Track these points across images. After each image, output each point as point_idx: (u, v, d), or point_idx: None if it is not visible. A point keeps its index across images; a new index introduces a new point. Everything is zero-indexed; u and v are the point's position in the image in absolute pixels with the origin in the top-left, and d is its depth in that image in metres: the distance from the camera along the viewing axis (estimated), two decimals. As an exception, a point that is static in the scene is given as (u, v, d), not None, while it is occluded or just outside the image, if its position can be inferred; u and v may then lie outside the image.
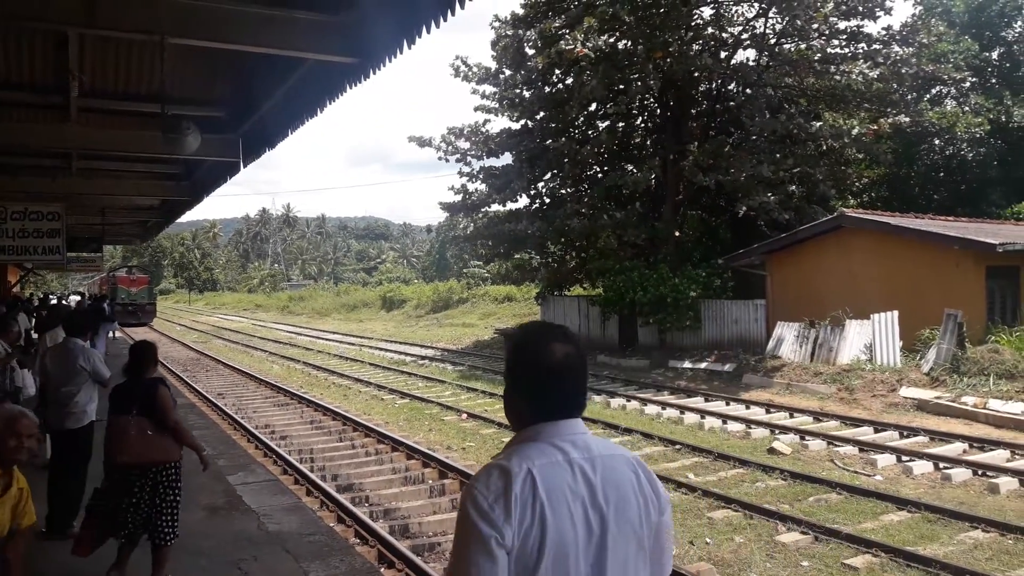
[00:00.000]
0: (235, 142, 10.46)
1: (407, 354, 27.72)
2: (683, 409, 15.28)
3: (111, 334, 25.17)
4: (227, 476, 8.62)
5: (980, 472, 10.18)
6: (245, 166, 11.26)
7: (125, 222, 23.69)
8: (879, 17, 22.78)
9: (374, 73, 6.64)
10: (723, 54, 24.16)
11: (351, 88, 7.20)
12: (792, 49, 24.20)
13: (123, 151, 11.28)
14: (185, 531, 6.44)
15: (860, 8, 22.43)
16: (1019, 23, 30.76)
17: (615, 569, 1.75)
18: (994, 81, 30.69)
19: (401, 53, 6.06)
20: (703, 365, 20.48)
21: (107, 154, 12.03)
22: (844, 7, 22.39)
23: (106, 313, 23.46)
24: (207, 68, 8.72)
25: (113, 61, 8.38)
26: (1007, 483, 9.64)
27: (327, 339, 36.07)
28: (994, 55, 31.11)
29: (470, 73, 26.97)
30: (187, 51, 7.45)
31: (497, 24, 26.31)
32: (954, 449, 11.53)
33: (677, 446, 12.08)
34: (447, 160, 27.99)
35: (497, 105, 27.01)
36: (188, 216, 25.08)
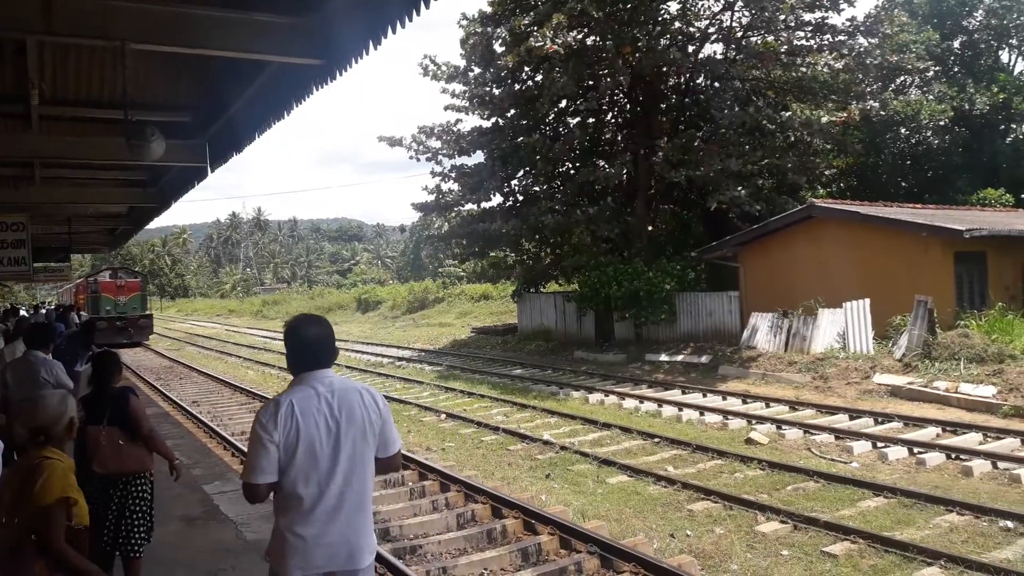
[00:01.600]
0: (202, 147, 10.33)
1: (384, 356, 27.59)
2: (661, 402, 15.35)
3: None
4: (203, 485, 8.51)
5: (954, 456, 10.33)
6: (213, 171, 11.13)
7: (92, 230, 23.32)
8: (843, 9, 23.09)
9: (341, 74, 6.58)
10: (691, 48, 24.31)
11: (318, 90, 7.12)
12: (759, 42, 24.41)
13: (87, 159, 11.10)
14: (161, 542, 6.34)
15: (825, 0, 22.66)
16: (979, 12, 31.26)
17: (346, 450, 3.14)
18: (956, 70, 31.19)
19: (367, 54, 6.01)
20: (679, 358, 20.59)
21: (71, 162, 11.83)
22: (809, -1, 22.61)
23: (76, 328, 15.18)
24: (170, 73, 8.60)
25: (74, 68, 8.23)
26: (980, 466, 9.79)
27: (303, 343, 35.73)
28: (956, 44, 31.60)
29: (439, 72, 26.86)
30: (149, 56, 7.33)
31: (465, 22, 26.26)
32: (928, 434, 11.69)
33: (656, 439, 12.13)
34: (418, 160, 27.91)
35: (467, 103, 26.94)
36: (157, 222, 24.74)
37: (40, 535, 3.27)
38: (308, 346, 3.24)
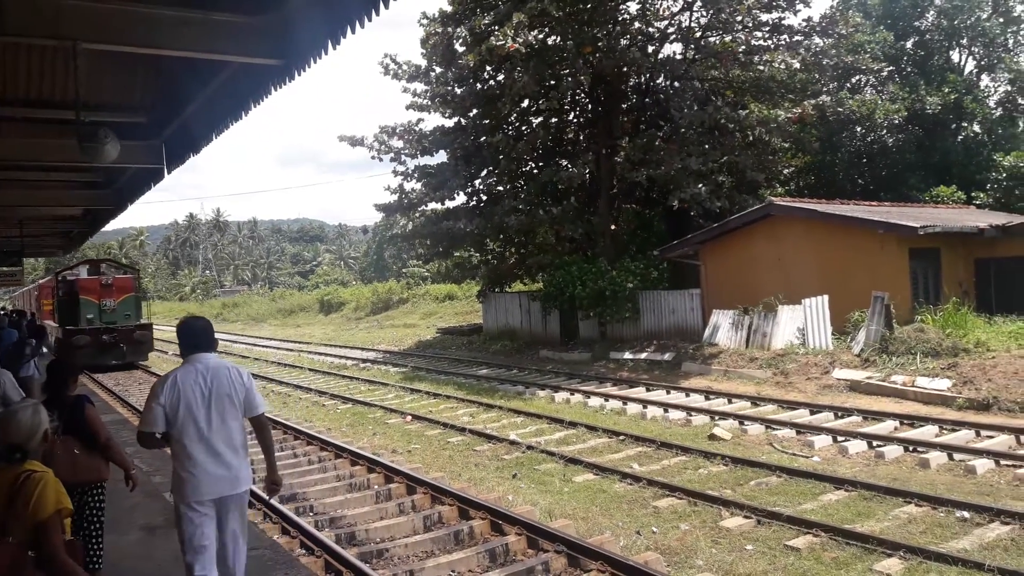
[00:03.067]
0: (158, 148, 10.15)
1: (348, 358, 27.36)
2: (625, 400, 15.44)
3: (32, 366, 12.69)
4: (164, 493, 8.33)
5: (911, 448, 10.55)
6: (170, 172, 10.94)
7: (46, 233, 22.78)
8: (799, 10, 23.48)
9: (299, 74, 6.52)
10: (650, 48, 24.48)
11: (276, 90, 7.05)
12: (717, 42, 24.68)
13: (39, 160, 10.83)
14: (122, 553, 6.24)
15: (781, 1, 23.00)
16: (931, 13, 31.96)
17: (217, 412, 4.37)
18: (909, 70, 31.85)
19: (326, 53, 5.96)
20: (643, 356, 20.73)
21: (23, 164, 11.53)
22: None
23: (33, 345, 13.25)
24: (125, 73, 8.43)
25: (25, 68, 8.04)
26: (936, 458, 10.01)
27: (264, 346, 35.36)
28: (908, 44, 32.27)
29: (400, 71, 26.72)
30: (102, 55, 7.18)
31: (425, 21, 26.12)
32: (886, 427, 11.92)
33: (621, 437, 12.20)
34: (380, 159, 27.73)
35: (429, 103, 26.83)
36: (113, 224, 24.47)
37: (41, 550, 3.18)
38: (192, 337, 4.56)
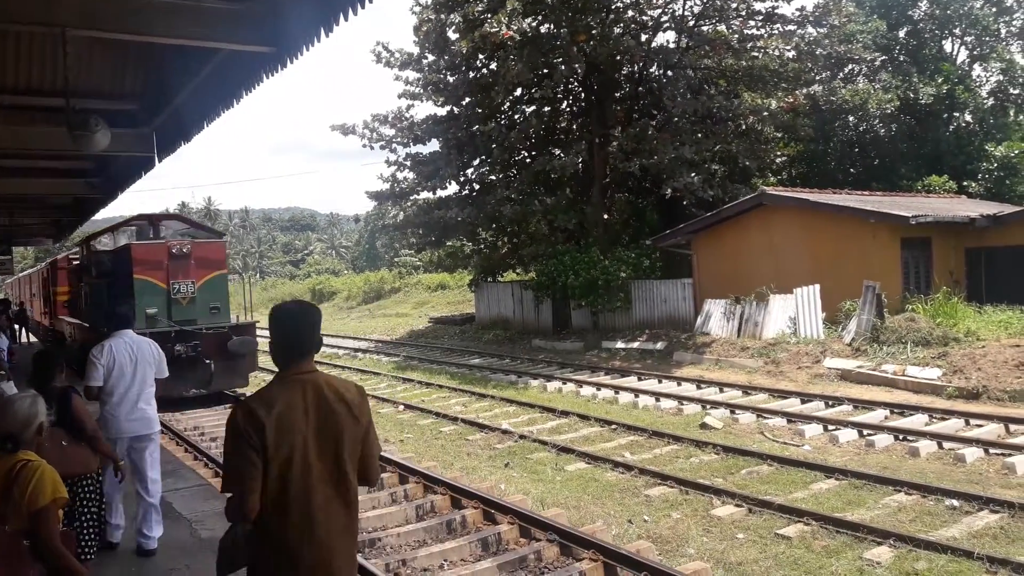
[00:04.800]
0: (149, 136, 10.06)
1: (340, 347, 27.33)
2: (617, 389, 15.48)
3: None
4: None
5: (901, 437, 10.62)
6: (160, 161, 10.86)
7: (35, 222, 22.59)
8: (792, -1, 23.41)
9: (291, 62, 6.46)
10: (644, 37, 24.43)
11: (268, 78, 6.99)
12: (710, 30, 24.64)
13: (28, 148, 10.72)
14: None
15: (775, -11, 23.00)
16: (923, 2, 31.94)
17: (141, 374, 6.04)
18: (902, 59, 31.84)
19: (319, 41, 5.91)
20: (635, 345, 20.78)
21: (11, 152, 11.41)
22: (759, -12, 22.92)
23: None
24: (115, 60, 8.35)
25: (13, 55, 7.94)
26: (926, 446, 10.07)
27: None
28: (901, 34, 32.24)
29: (392, 59, 26.57)
30: (92, 43, 7.12)
31: (418, 8, 25.98)
32: (876, 416, 11.98)
33: (613, 426, 12.24)
34: (372, 148, 27.57)
35: (421, 91, 26.71)
36: (104, 213, 23.99)
37: (36, 539, 3.18)
38: (119, 318, 6.34)
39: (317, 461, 2.82)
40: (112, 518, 6.09)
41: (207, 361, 14.27)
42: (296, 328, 2.96)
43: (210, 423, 13.49)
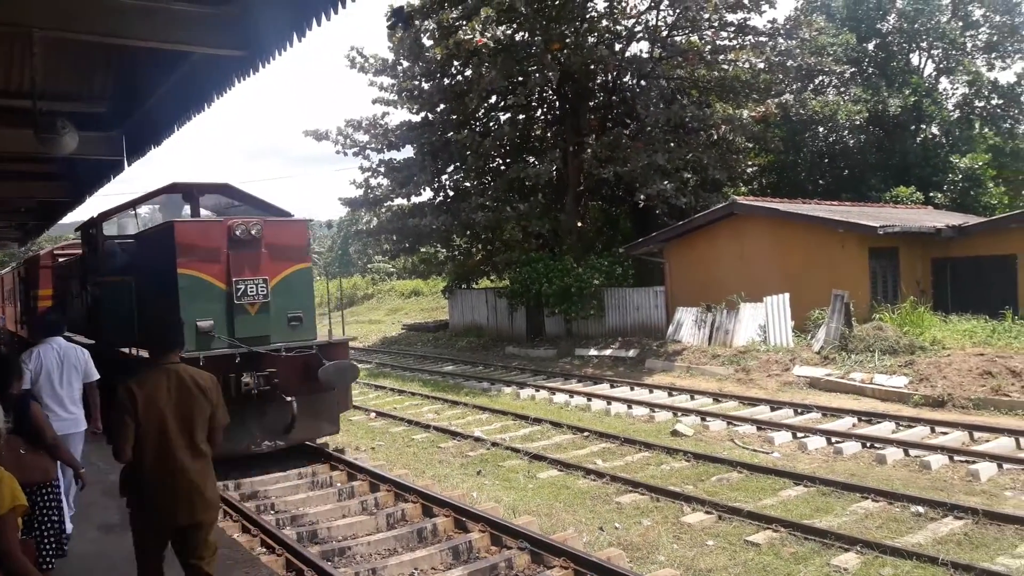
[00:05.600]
0: (118, 139, 9.93)
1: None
2: (590, 396, 15.52)
3: None
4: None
5: (868, 444, 10.75)
6: (130, 164, 10.69)
7: (0, 225, 22.16)
8: (764, 10, 23.71)
9: (264, 66, 6.42)
10: (618, 46, 24.58)
11: (240, 82, 6.93)
12: (683, 41, 24.88)
13: (-8, 150, 10.53)
14: (79, 551, 6.11)
15: (746, 1, 23.25)
16: (892, 16, 32.54)
17: (67, 376, 6.52)
18: (871, 71, 32.39)
19: (291, 46, 5.88)
20: (608, 352, 20.85)
21: (-27, 154, 11.20)
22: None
23: None
24: (84, 62, 8.22)
25: (-23, 55, 7.80)
26: (893, 454, 10.21)
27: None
28: (870, 47, 32.81)
29: (367, 64, 26.48)
30: (61, 43, 6.99)
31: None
32: (844, 424, 12.12)
33: (585, 433, 12.27)
34: (345, 154, 27.40)
35: (396, 97, 26.65)
36: (72, 216, 23.52)
37: None
38: (46, 327, 6.90)
39: (174, 425, 4.17)
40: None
41: (288, 399, 9.83)
42: (165, 330, 4.46)
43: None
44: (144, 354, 8.27)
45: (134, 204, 12.57)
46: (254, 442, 9.81)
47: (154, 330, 4.51)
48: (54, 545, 4.91)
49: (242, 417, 9.25)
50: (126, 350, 10.51)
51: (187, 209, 11.62)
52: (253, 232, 10.01)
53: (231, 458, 9.41)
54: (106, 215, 12.27)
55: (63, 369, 6.44)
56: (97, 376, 6.74)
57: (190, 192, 11.55)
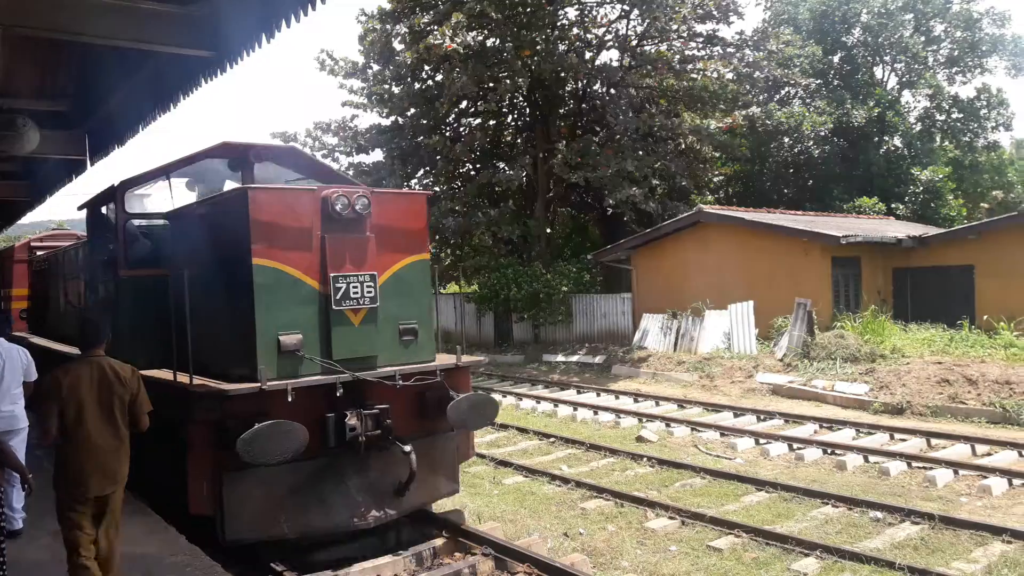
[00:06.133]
0: (80, 138, 9.79)
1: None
2: (556, 402, 15.56)
3: None
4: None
5: (829, 451, 10.91)
6: (93, 164, 10.55)
7: (-43, 224, 21.67)
8: (733, 21, 24.08)
9: (231, 67, 6.39)
10: (588, 54, 24.78)
11: (207, 82, 6.88)
12: (653, 51, 25.12)
13: (-51, 148, 10.30)
14: (30, 560, 5.98)
15: (714, 12, 23.55)
16: (857, 29, 33.17)
17: (8, 378, 6.29)
18: (836, 83, 32.98)
19: (260, 47, 5.87)
20: (575, 358, 20.93)
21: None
22: (700, 10, 23.45)
23: None
24: (47, 59, 8.09)
25: (-65, 49, 7.63)
26: (853, 460, 10.37)
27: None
28: (836, 59, 33.42)
29: (337, 67, 26.38)
30: (22, 41, 6.89)
31: (364, 18, 25.85)
32: (806, 430, 12.28)
33: (551, 439, 12.30)
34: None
35: (366, 100, 26.59)
36: (31, 217, 23.08)
37: None
38: None
39: (94, 409, 4.76)
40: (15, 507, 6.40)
41: (405, 449, 6.80)
42: (91, 327, 5.13)
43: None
44: (210, 383, 6.32)
45: (167, 171, 8.38)
46: (357, 513, 6.70)
47: (83, 329, 5.15)
48: (4, 550, 4.81)
49: (340, 476, 6.64)
50: (159, 374, 7.16)
51: (231, 182, 8.53)
52: (358, 207, 6.73)
53: (323, 539, 6.90)
54: (129, 183, 8.12)
55: (4, 369, 6.30)
56: (35, 376, 6.53)
57: (244, 156, 8.30)
